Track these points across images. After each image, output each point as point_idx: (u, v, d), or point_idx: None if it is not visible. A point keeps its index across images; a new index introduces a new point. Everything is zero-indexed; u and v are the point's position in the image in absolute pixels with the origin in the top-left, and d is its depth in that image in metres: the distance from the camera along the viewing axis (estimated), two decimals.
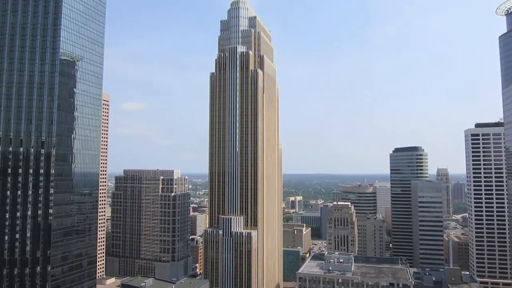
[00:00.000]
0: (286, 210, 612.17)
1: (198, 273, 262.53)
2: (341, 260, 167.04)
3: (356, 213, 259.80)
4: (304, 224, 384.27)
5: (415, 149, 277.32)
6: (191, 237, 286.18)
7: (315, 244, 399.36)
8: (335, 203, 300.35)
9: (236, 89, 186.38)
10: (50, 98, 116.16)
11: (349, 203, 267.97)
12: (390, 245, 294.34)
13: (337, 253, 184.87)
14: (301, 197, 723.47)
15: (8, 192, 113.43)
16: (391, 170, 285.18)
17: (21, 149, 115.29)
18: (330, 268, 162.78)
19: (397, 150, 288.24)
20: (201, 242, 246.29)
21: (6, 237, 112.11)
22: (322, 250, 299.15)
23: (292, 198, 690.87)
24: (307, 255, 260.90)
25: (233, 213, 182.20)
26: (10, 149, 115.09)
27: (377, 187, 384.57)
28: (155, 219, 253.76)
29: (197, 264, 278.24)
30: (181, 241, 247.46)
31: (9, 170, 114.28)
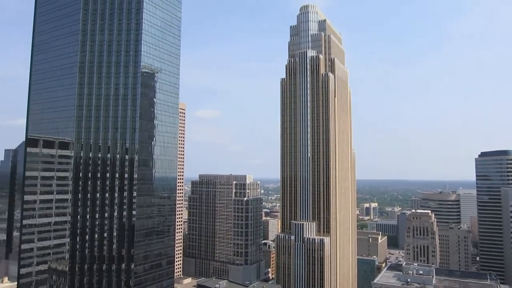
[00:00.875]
0: (361, 217, 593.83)
1: (271, 277, 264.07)
2: (420, 272, 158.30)
3: (437, 222, 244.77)
4: (380, 232, 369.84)
5: (505, 153, 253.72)
6: (263, 241, 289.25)
7: (391, 254, 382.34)
8: (413, 210, 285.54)
9: (307, 93, 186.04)
10: (133, 108, 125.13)
11: (429, 211, 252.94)
12: (477, 258, 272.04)
13: (416, 264, 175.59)
14: (376, 204, 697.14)
15: (98, 195, 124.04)
16: (477, 176, 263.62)
17: (109, 155, 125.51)
18: (409, 279, 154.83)
19: (483, 154, 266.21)
20: (273, 247, 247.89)
21: (96, 235, 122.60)
22: (400, 260, 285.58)
23: (366, 205, 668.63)
24: (383, 265, 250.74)
25: (305, 219, 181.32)
26: (99, 155, 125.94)
27: (460, 194, 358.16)
28: (229, 222, 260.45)
29: (270, 269, 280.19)
30: (253, 245, 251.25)
31: (98, 175, 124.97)
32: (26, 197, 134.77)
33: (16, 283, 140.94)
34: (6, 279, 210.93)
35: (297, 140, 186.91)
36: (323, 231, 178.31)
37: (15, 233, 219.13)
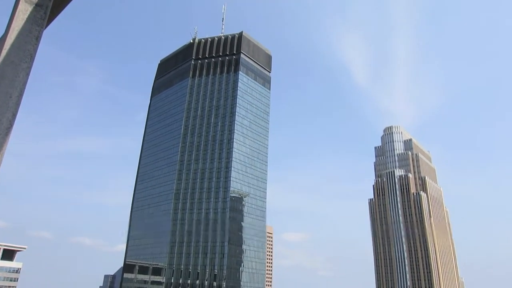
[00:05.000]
0: None
1: None
2: None
3: None
4: None
5: None
6: None
7: None
8: None
9: (399, 214, 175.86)
10: (222, 233, 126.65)
11: None
12: None
13: None
14: None
15: None
16: None
17: (197, 281, 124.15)
18: None
19: None
20: None
21: None
22: None
23: None
24: None
25: None
26: (189, 281, 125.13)
27: None
28: None
29: None
30: None
31: None
32: None
33: None
34: None
35: (393, 265, 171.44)
36: None
37: None
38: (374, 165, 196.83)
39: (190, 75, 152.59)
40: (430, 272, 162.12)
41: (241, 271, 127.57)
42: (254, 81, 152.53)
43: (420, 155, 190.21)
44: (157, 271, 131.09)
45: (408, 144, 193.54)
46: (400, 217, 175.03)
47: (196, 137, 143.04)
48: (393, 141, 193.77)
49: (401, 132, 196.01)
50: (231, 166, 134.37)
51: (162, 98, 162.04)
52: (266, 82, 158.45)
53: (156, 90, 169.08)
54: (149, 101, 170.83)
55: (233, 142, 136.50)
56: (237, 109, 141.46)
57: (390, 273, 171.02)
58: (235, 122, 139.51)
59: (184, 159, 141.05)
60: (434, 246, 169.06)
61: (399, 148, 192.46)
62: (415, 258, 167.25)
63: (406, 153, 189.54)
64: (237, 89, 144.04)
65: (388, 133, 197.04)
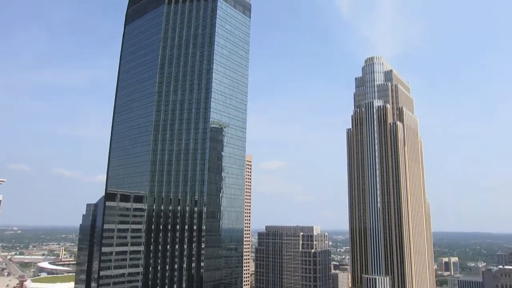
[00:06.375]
0: (439, 272, 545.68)
1: None
2: None
3: None
4: None
5: None
6: None
7: None
8: (500, 267, 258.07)
9: (375, 143, 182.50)
10: (202, 162, 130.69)
11: None
12: None
13: None
14: (457, 258, 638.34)
15: (168, 246, 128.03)
16: None
17: (179, 207, 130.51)
18: None
19: None
20: None
21: (166, 287, 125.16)
22: None
23: (445, 259, 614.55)
24: None
25: (377, 273, 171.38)
26: (170, 207, 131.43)
27: None
28: (296, 275, 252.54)
29: None
30: None
31: (169, 227, 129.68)
32: (104, 249, 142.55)
33: None
34: None
35: (366, 190, 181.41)
36: (398, 287, 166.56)
37: (93, 284, 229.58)
38: (354, 96, 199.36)
39: (166, 1, 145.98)
40: (399, 195, 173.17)
41: (221, 197, 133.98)
42: (233, 8, 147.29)
43: (399, 86, 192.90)
44: (138, 199, 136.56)
45: (388, 75, 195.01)
46: (376, 146, 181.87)
47: (174, 67, 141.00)
48: (373, 72, 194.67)
49: (382, 63, 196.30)
50: (210, 97, 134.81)
51: (136, 26, 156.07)
52: (246, 10, 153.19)
53: (130, 17, 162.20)
54: (123, 30, 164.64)
55: (212, 72, 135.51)
56: (216, 38, 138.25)
57: (363, 197, 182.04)
58: (214, 51, 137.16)
59: (162, 90, 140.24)
60: (406, 173, 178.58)
61: (379, 79, 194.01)
62: (387, 183, 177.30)
63: (386, 84, 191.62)
64: (215, 17, 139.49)
65: (369, 64, 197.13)
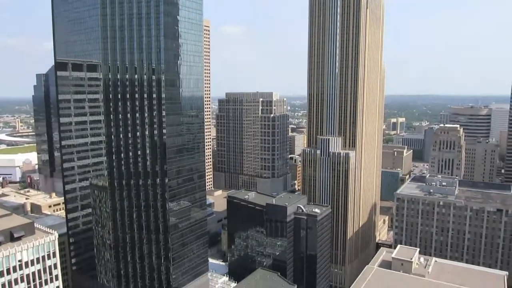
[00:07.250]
0: (387, 132, 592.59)
1: (297, 189, 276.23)
2: (443, 183, 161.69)
3: (465, 136, 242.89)
4: (406, 146, 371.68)
5: None
6: (289, 156, 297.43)
7: (416, 167, 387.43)
8: (441, 125, 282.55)
9: (337, 5, 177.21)
10: (157, 27, 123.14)
11: (458, 125, 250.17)
12: (502, 171, 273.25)
13: (439, 176, 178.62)
14: (404, 119, 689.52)
15: (129, 115, 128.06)
16: None
17: (136, 76, 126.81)
18: (431, 190, 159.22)
19: None
20: (300, 161, 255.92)
21: (131, 154, 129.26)
22: (424, 173, 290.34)
23: (393, 120, 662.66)
24: (407, 177, 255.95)
25: (331, 134, 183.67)
26: (127, 76, 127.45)
27: (493, 109, 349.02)
28: (256, 138, 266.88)
29: (296, 181, 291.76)
30: (280, 159, 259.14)
31: (128, 96, 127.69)
32: (62, 120, 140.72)
33: (63, 198, 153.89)
34: (53, 194, 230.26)
35: (325, 55, 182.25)
36: (349, 145, 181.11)
37: (56, 153, 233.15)
38: None
39: None
40: (357, 60, 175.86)
41: (179, 65, 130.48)
42: None
43: None
44: (92, 68, 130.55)
45: None
46: (338, 9, 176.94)
47: None
48: None
49: None
50: None
51: None
52: None
53: None
54: None
55: None
56: None
57: (322, 61, 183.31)
58: None
59: None
60: (365, 37, 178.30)
61: None
62: (346, 47, 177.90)
63: None
64: None
65: None
